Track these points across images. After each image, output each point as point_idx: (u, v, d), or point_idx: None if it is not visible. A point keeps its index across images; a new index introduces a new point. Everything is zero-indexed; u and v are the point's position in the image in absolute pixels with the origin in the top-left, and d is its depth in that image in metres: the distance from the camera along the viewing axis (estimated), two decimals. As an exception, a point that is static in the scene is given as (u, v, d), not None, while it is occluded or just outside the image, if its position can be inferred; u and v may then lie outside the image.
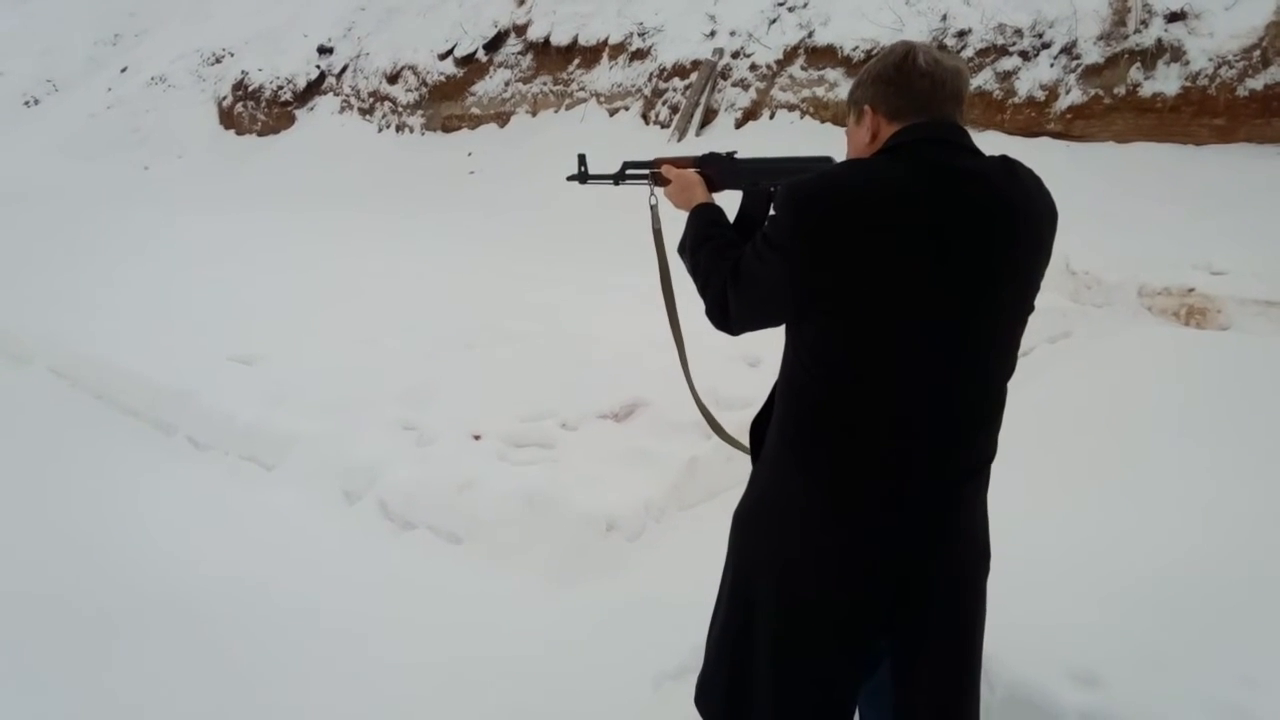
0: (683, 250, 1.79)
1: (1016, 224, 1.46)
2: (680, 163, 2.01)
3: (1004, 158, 1.52)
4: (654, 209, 2.12)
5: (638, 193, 2.16)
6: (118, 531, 3.27)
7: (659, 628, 2.37)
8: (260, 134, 13.90)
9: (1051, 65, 7.19)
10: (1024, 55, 7.35)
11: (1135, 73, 6.69)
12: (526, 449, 3.46)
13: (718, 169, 1.97)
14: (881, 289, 1.41)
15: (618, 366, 3.95)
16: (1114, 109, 6.86)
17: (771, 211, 1.52)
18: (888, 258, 1.40)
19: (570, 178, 2.33)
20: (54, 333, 5.33)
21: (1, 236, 8.64)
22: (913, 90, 1.50)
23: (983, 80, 7.54)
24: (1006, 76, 7.41)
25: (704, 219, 1.82)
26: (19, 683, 2.46)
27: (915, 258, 1.40)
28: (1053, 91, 7.15)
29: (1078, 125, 7.04)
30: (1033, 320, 4.46)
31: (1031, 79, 7.25)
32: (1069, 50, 7.07)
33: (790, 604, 1.56)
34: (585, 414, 3.64)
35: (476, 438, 3.54)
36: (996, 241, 1.43)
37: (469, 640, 2.55)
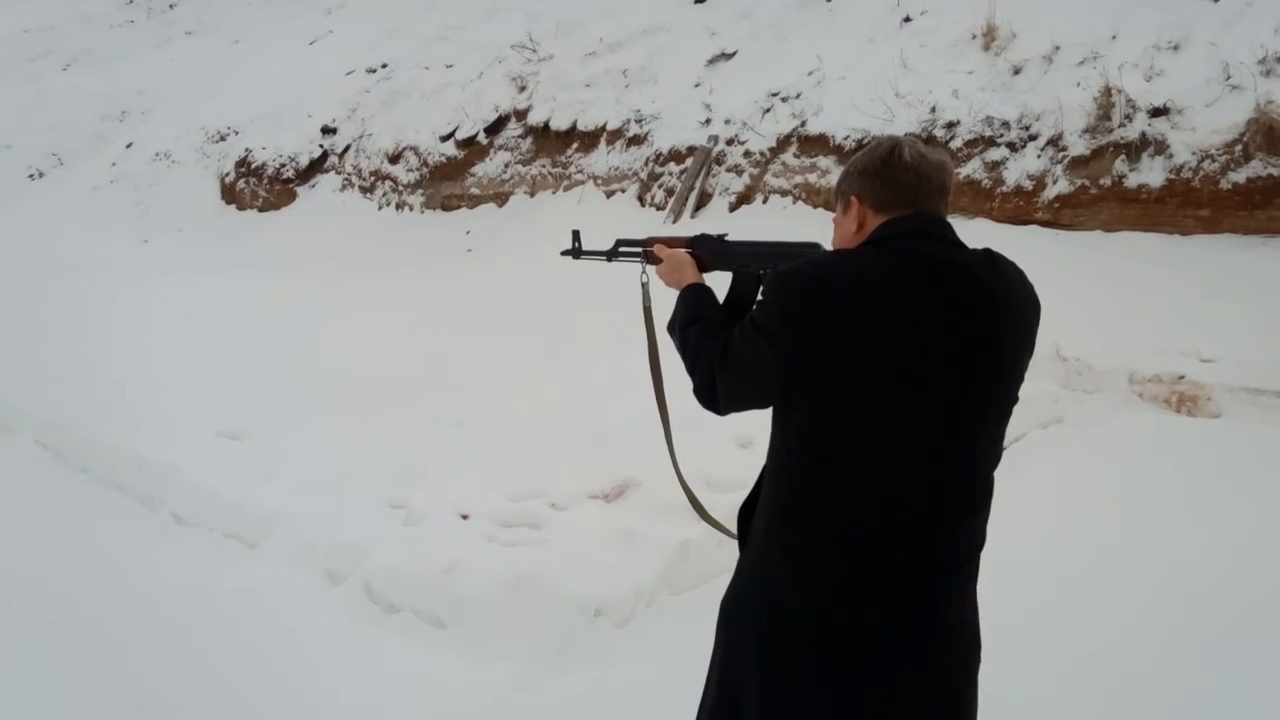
0: (672, 329, 1.80)
1: (1000, 316, 1.48)
2: (672, 243, 2.04)
3: (987, 251, 1.55)
4: (645, 287, 2.14)
5: (633, 271, 2.17)
6: (93, 606, 3.19)
7: (647, 718, 2.30)
8: (261, 210, 14.08)
9: (1039, 156, 7.35)
10: (1011, 146, 7.53)
11: (1120, 164, 6.85)
12: (515, 529, 3.41)
13: (709, 250, 1.99)
14: (865, 378, 1.42)
15: (609, 446, 3.92)
16: (1100, 199, 7.00)
17: (760, 296, 1.53)
18: (872, 348, 1.41)
19: (565, 253, 2.36)
20: (42, 404, 5.29)
21: (-4, 308, 8.66)
22: (898, 184, 1.54)
23: (971, 169, 7.71)
24: (995, 166, 7.58)
25: (694, 299, 1.83)
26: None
27: (899, 348, 1.41)
28: (1040, 181, 7.30)
29: (1065, 214, 7.17)
30: (1024, 406, 4.47)
31: (1019, 169, 7.41)
32: (1055, 142, 7.25)
33: (777, 696, 1.52)
34: (575, 494, 3.60)
35: (465, 517, 3.49)
36: (980, 333, 1.45)
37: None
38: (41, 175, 17.85)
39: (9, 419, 5.30)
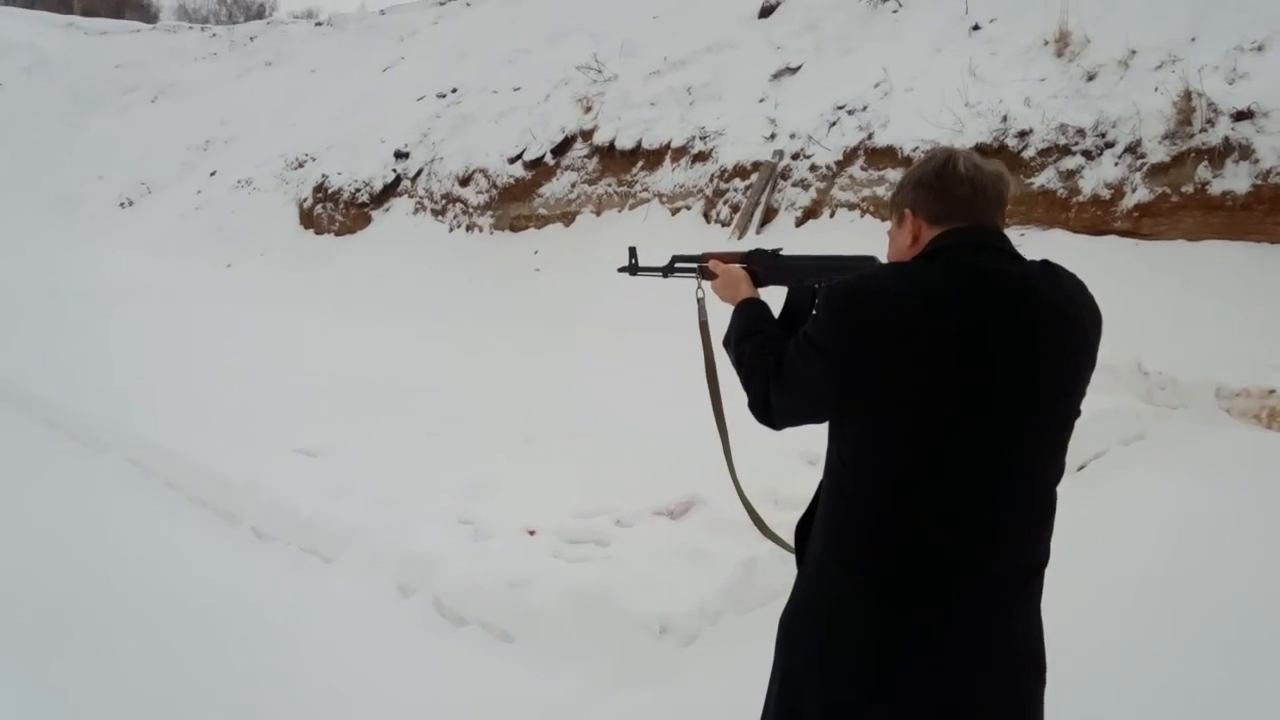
0: (728, 343, 1.80)
1: (1058, 328, 1.45)
2: (727, 258, 2.05)
3: (1045, 262, 1.52)
4: (701, 302, 2.14)
5: (692, 287, 2.18)
6: (178, 615, 3.32)
7: (711, 738, 2.29)
8: (338, 234, 14.49)
9: (1116, 164, 7.15)
10: (1087, 154, 7.33)
11: (1203, 171, 6.61)
12: (581, 546, 3.43)
13: (764, 265, 1.99)
14: (919, 391, 1.40)
15: (675, 463, 3.93)
16: (1182, 207, 6.76)
17: (815, 311, 1.53)
18: (925, 361, 1.40)
19: (621, 269, 2.38)
20: (132, 423, 5.52)
21: (89, 331, 9.08)
22: (953, 196, 1.52)
23: (1046, 179, 7.53)
24: (1070, 175, 7.39)
25: (749, 314, 1.83)
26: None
27: (955, 362, 1.39)
28: (1118, 190, 7.10)
29: (1145, 223, 6.95)
30: (1104, 422, 4.39)
31: (1096, 178, 7.22)
32: (1133, 149, 7.04)
33: (837, 715, 1.50)
34: (641, 511, 3.61)
35: (531, 533, 3.53)
36: (1037, 346, 1.42)
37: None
38: (131, 203, 18.69)
39: (102, 436, 5.53)
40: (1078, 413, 1.53)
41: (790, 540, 1.75)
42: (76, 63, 24.12)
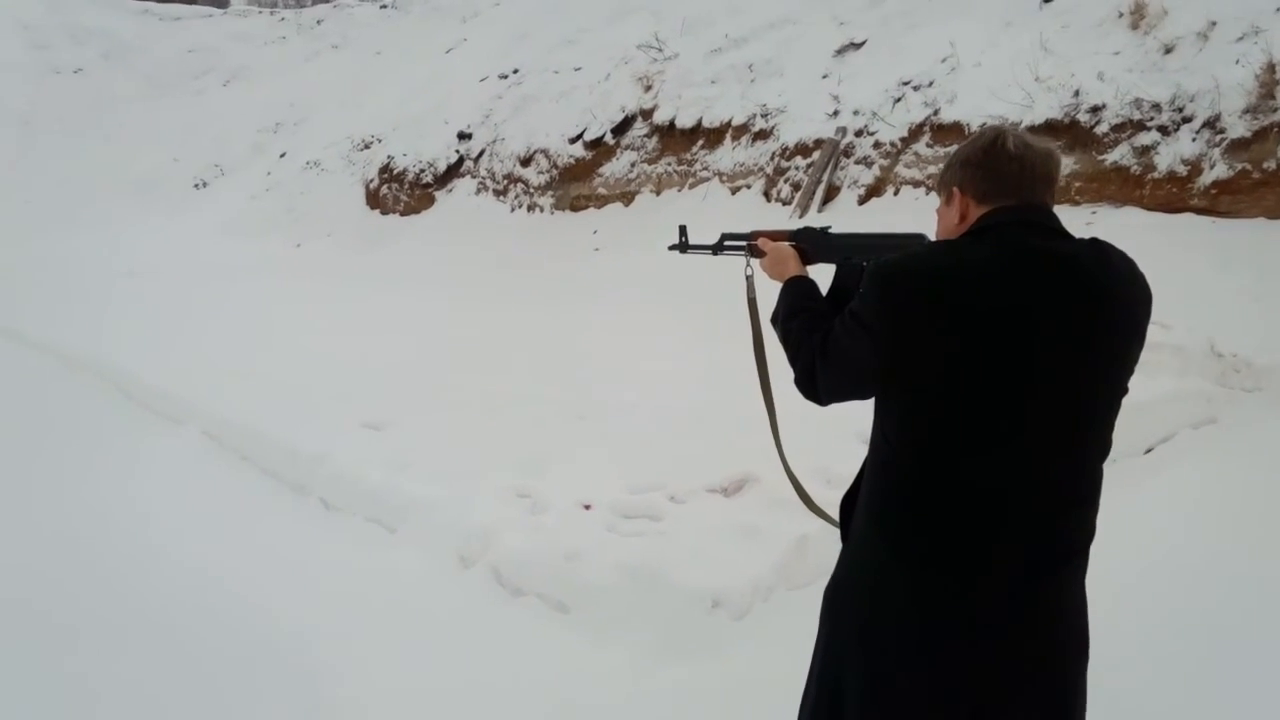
0: (775, 320, 1.82)
1: (1106, 306, 1.44)
2: (776, 236, 2.05)
3: (1094, 240, 1.51)
4: (750, 280, 2.16)
5: (744, 266, 2.19)
6: (253, 576, 3.47)
7: (760, 713, 2.32)
8: (403, 214, 14.75)
9: (1193, 140, 6.91)
10: (1163, 130, 7.10)
11: (1287, 146, 6.36)
12: (635, 520, 3.47)
13: (812, 243, 2.00)
14: (963, 368, 1.40)
15: (729, 440, 3.94)
16: (1264, 184, 6.52)
17: (861, 288, 1.54)
18: (969, 338, 1.40)
19: (671, 247, 2.40)
20: (207, 398, 5.73)
21: (167, 308, 9.42)
22: (1001, 174, 1.52)
23: (1119, 155, 7.32)
24: (1144, 152, 7.17)
25: (797, 291, 1.85)
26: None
27: (999, 339, 1.39)
28: (1195, 166, 6.86)
29: (1224, 201, 6.72)
30: (1174, 405, 4.28)
31: (1172, 154, 6.99)
32: (1212, 124, 6.79)
33: (877, 685, 1.53)
34: (694, 487, 3.64)
35: (587, 508, 3.59)
36: (1085, 324, 1.41)
37: (567, 708, 2.56)
38: (205, 185, 19.25)
39: (179, 410, 5.76)
40: (1125, 391, 1.52)
41: (836, 515, 1.77)
42: (151, 48, 24.86)
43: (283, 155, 18.64)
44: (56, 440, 5.53)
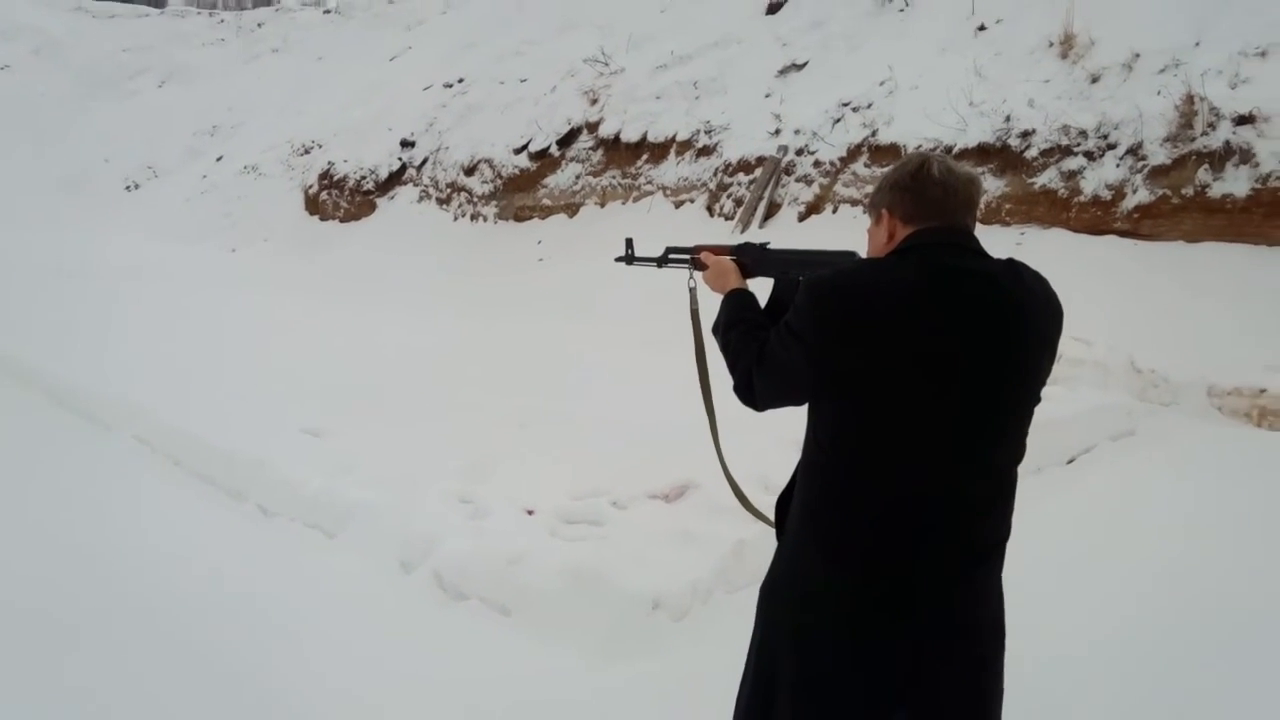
0: (716, 330, 1.91)
1: (1019, 321, 1.55)
2: (718, 250, 2.15)
3: (1010, 260, 1.63)
4: (693, 291, 2.24)
5: (687, 279, 2.27)
6: (181, 587, 3.40)
7: (700, 710, 2.37)
8: (342, 220, 14.55)
9: (1117, 165, 7.21)
10: (1089, 155, 7.39)
11: (1204, 174, 6.67)
12: (577, 525, 3.51)
13: (751, 257, 2.10)
14: (889, 378, 1.51)
15: (669, 448, 4.00)
16: (1182, 209, 6.82)
17: (795, 301, 1.63)
18: (895, 350, 1.50)
19: (618, 259, 2.48)
20: (139, 402, 5.60)
21: (96, 311, 9.16)
22: (926, 198, 1.63)
23: (1048, 179, 7.59)
24: (1071, 176, 7.45)
25: (736, 303, 1.94)
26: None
27: (921, 351, 1.50)
28: (1119, 191, 7.16)
29: (1146, 224, 7.01)
30: (1095, 417, 4.47)
31: (1097, 179, 7.28)
32: (1135, 151, 7.10)
33: (809, 679, 1.61)
34: (636, 494, 3.69)
35: (530, 513, 3.61)
36: (999, 337, 1.52)
37: (510, 710, 2.58)
38: (138, 186, 18.76)
39: (111, 415, 5.62)
40: (1038, 400, 1.64)
41: (772, 516, 1.85)
42: (84, 46, 24.17)
43: (219, 159, 18.27)
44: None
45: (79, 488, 4.58)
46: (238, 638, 3.03)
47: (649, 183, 10.87)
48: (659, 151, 10.93)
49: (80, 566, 3.62)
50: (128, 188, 18.85)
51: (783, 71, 10.52)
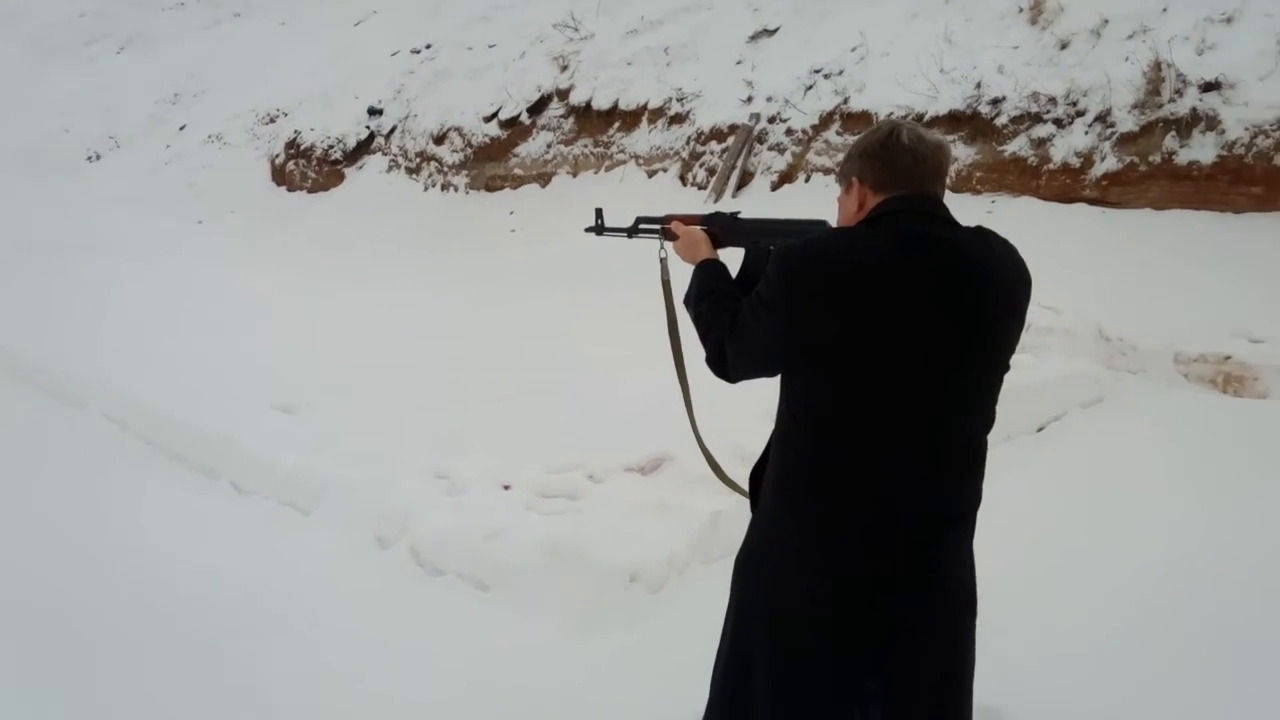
0: (687, 301, 1.91)
1: (987, 289, 1.57)
2: (688, 220, 2.14)
3: (979, 228, 1.64)
4: (664, 262, 2.24)
5: (658, 249, 2.26)
6: (156, 568, 3.38)
7: (677, 680, 2.40)
8: (310, 191, 14.34)
9: (1086, 133, 7.25)
10: (1058, 123, 7.43)
11: (1171, 141, 6.74)
12: (554, 500, 3.53)
13: (722, 227, 2.10)
14: (858, 346, 1.51)
15: (646, 421, 4.02)
16: (1150, 176, 6.89)
17: (766, 271, 1.63)
18: (864, 318, 1.51)
19: (588, 229, 2.47)
20: (108, 379, 5.52)
21: (61, 286, 8.98)
22: (895, 165, 1.63)
23: (1017, 146, 7.63)
24: (1041, 143, 7.49)
25: (707, 273, 1.94)
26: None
27: (890, 319, 1.51)
28: (1088, 159, 7.21)
29: (1114, 192, 7.08)
30: (1064, 385, 4.53)
31: (1066, 146, 7.32)
32: (1103, 118, 7.14)
33: (783, 649, 1.64)
34: (612, 467, 3.71)
35: (506, 488, 3.62)
36: (968, 305, 1.54)
37: (488, 684, 2.60)
38: (99, 158, 18.33)
39: (78, 392, 5.54)
40: (1007, 368, 1.66)
41: (746, 487, 1.87)
42: (38, 10, 23.44)
43: (182, 128, 17.89)
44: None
45: (47, 467, 4.53)
46: (213, 617, 3.03)
47: (621, 151, 10.79)
48: (631, 119, 10.85)
49: (50, 547, 3.59)
50: (89, 158, 18.42)
51: (754, 37, 10.45)
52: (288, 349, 6.05)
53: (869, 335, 1.52)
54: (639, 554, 3.05)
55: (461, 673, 2.68)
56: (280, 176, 14.85)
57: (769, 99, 9.56)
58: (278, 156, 14.93)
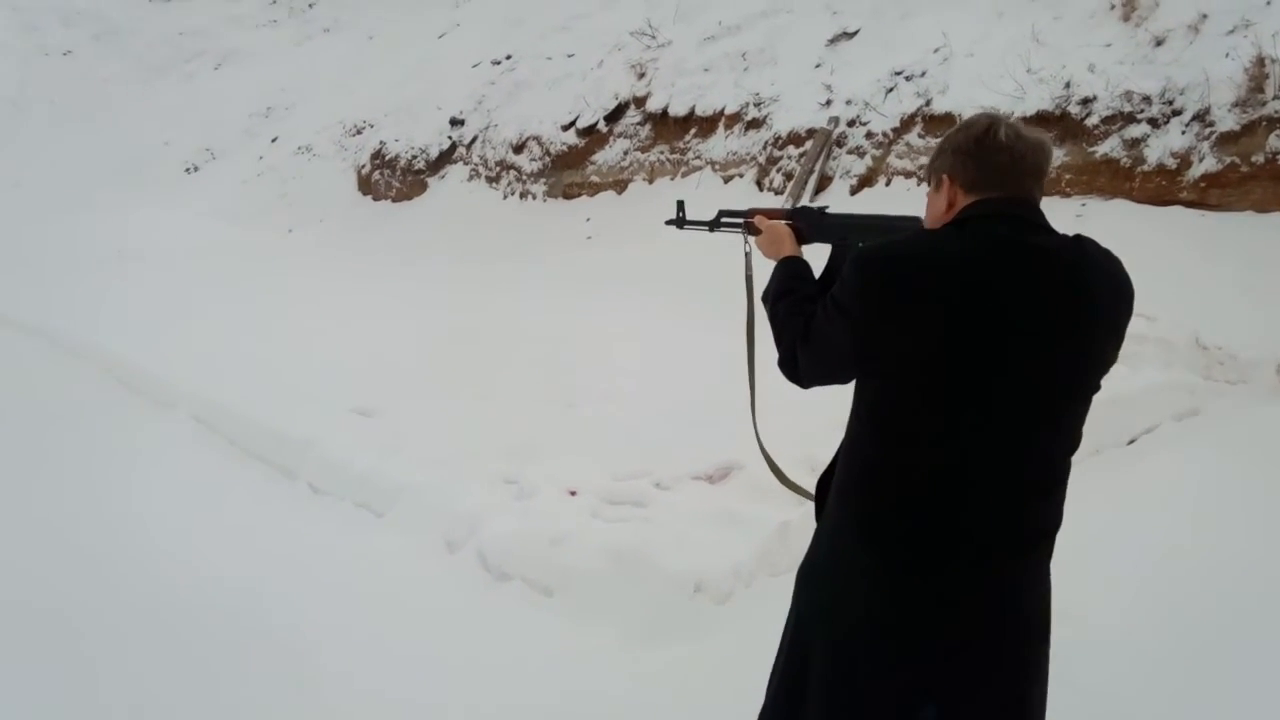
0: (765, 299, 1.84)
1: (1081, 303, 1.45)
2: (773, 214, 2.07)
3: (1077, 237, 1.52)
4: (748, 256, 2.18)
5: (741, 244, 2.21)
6: (237, 566, 3.48)
7: (735, 695, 2.34)
8: (395, 200, 14.69)
9: (1183, 132, 6.93)
10: (1153, 122, 7.12)
11: (1275, 140, 6.39)
12: (620, 507, 3.51)
13: (808, 223, 2.02)
14: (935, 357, 1.42)
15: (716, 429, 3.96)
16: (1252, 177, 6.55)
17: (843, 272, 1.56)
18: (938, 327, 1.41)
19: (669, 222, 2.42)
20: (197, 381, 5.73)
21: (157, 293, 9.38)
22: (990, 164, 1.52)
23: (1109, 148, 7.34)
24: (1135, 144, 7.19)
25: (788, 271, 1.87)
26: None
27: (969, 330, 1.41)
28: (1185, 159, 6.89)
29: (1213, 194, 6.74)
30: (1157, 396, 4.33)
31: (1162, 146, 7.01)
32: (1201, 117, 6.82)
33: (841, 662, 1.57)
34: (679, 475, 3.67)
35: (572, 494, 3.61)
36: (1054, 319, 1.43)
37: (550, 692, 2.59)
38: (196, 169, 19.13)
39: (168, 395, 5.76)
40: (1097, 387, 1.54)
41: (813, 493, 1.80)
42: (142, 30, 24.65)
43: (274, 140, 18.54)
44: (46, 425, 5.52)
45: (139, 466, 4.71)
46: (286, 611, 3.10)
47: (697, 157, 10.76)
48: (707, 125, 10.81)
49: (142, 543, 3.73)
50: (187, 170, 19.24)
51: (833, 40, 10.30)
52: (369, 354, 6.19)
53: (945, 347, 1.42)
54: (704, 563, 3.01)
55: (526, 676, 2.68)
56: (366, 186, 15.25)
57: (848, 102, 9.41)
58: (364, 167, 15.34)
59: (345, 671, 2.76)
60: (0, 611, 3.19)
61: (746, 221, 2.14)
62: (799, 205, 2.16)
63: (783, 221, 2.05)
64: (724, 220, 2.24)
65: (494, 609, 3.05)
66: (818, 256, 1.95)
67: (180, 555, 3.60)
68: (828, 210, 2.04)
